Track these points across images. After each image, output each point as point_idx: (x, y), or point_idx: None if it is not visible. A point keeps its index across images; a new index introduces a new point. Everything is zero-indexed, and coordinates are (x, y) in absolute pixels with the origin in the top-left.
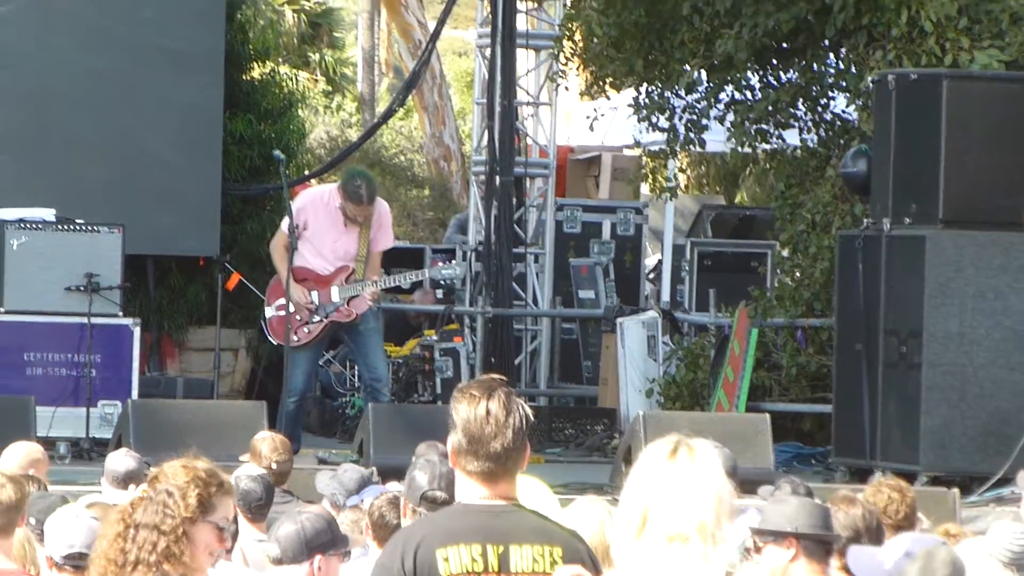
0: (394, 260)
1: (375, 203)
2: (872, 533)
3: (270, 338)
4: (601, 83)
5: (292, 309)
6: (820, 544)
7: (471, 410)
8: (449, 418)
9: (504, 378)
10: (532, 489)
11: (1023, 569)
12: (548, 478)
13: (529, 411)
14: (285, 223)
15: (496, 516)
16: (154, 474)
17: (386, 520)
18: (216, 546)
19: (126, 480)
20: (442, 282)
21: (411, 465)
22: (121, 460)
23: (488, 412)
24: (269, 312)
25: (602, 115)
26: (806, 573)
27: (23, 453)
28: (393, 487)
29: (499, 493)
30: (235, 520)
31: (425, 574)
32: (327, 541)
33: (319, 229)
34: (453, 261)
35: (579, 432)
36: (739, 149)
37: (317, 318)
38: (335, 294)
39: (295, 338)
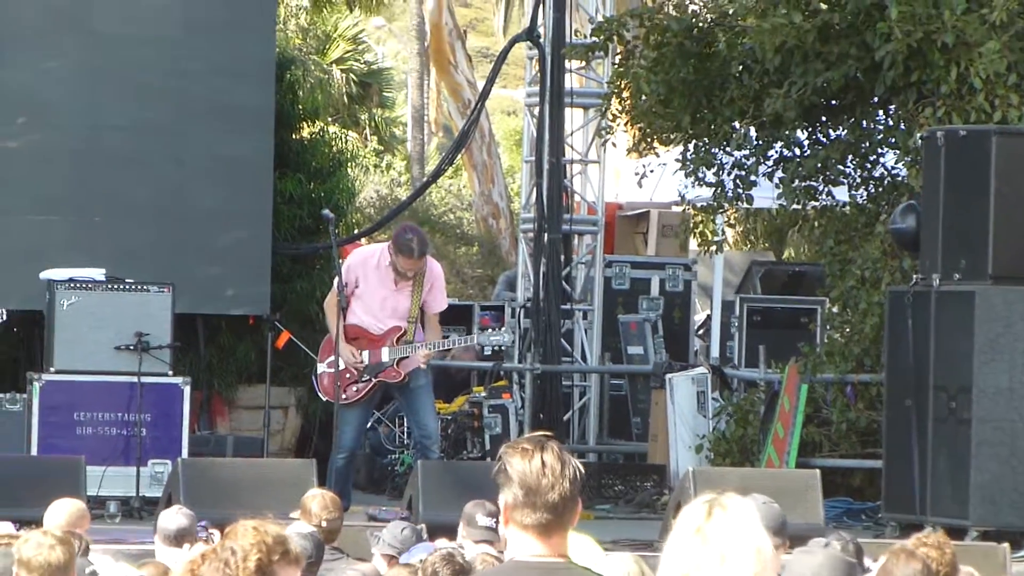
0: (443, 317)
1: (425, 258)
2: None
3: (320, 395)
4: (649, 140)
5: (342, 367)
6: None
7: (526, 463)
8: (499, 475)
9: (552, 434)
10: (582, 546)
11: None
12: (598, 534)
13: (580, 465)
14: (336, 282)
15: (549, 572)
16: (229, 529)
17: None
18: None
19: (178, 538)
20: (491, 348)
21: None
22: (173, 518)
23: (543, 463)
24: (320, 369)
25: (651, 171)
26: None
27: (67, 511)
28: (442, 544)
29: (552, 549)
30: None
31: None
32: None
33: (369, 288)
34: (503, 328)
35: (629, 488)
36: (788, 207)
37: (366, 377)
38: (385, 354)
39: (344, 396)
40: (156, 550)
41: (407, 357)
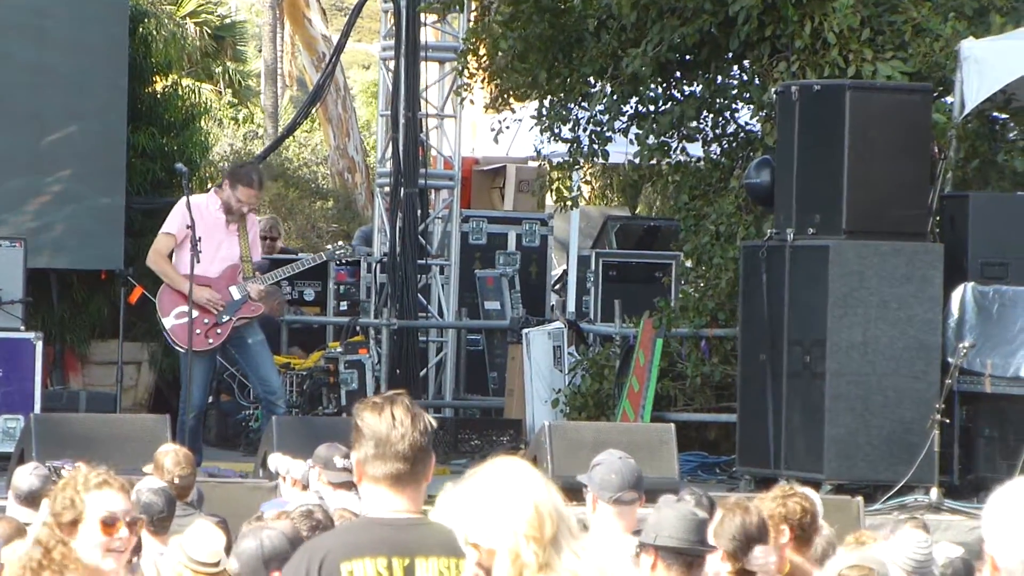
0: (299, 272)
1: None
2: (761, 540)
3: (177, 347)
4: (506, 96)
5: (195, 314)
6: (680, 555)
7: (376, 417)
8: (353, 433)
9: (406, 390)
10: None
11: None
12: None
13: (432, 419)
14: (164, 237)
15: (402, 529)
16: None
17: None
18: (108, 541)
19: (30, 499)
20: (336, 262)
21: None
22: (26, 479)
23: (394, 416)
24: (169, 323)
25: (507, 127)
26: None
27: None
28: (296, 495)
29: (406, 504)
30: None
31: None
32: (286, 558)
33: (203, 235)
34: (340, 243)
35: (485, 443)
36: (642, 162)
37: (226, 317)
38: (235, 292)
39: (210, 341)
40: (8, 508)
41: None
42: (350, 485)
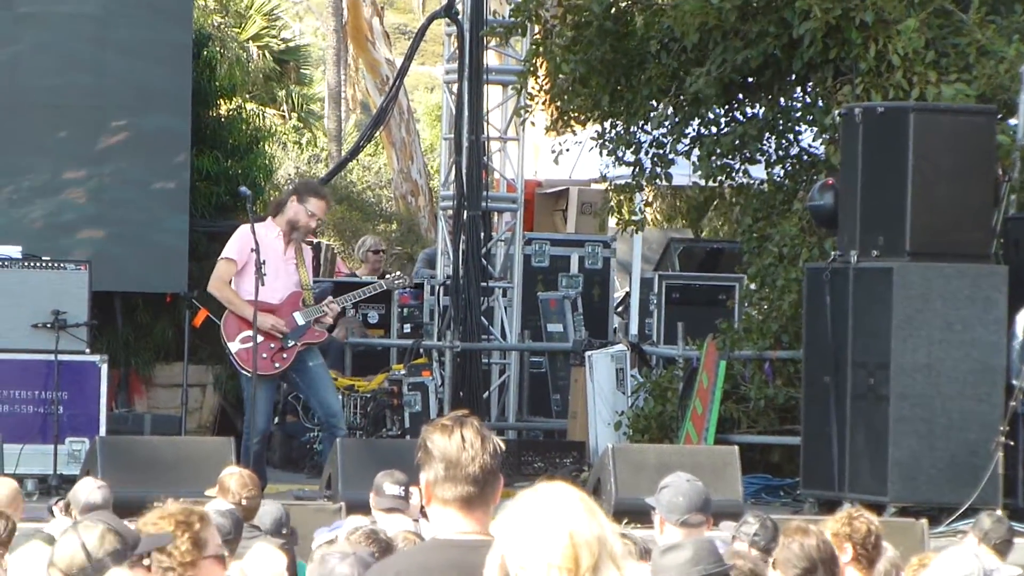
0: (369, 297)
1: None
2: (827, 564)
3: (244, 372)
4: (566, 118)
5: (261, 339)
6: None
7: (446, 439)
8: (420, 454)
9: (471, 412)
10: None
11: None
12: None
13: (500, 441)
14: (224, 263)
15: (471, 550)
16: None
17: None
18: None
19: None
20: (397, 291)
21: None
22: (87, 491)
23: (464, 438)
24: (235, 347)
25: (567, 150)
26: None
27: (5, 492)
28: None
29: (475, 525)
30: None
31: None
32: None
33: (264, 260)
34: (398, 272)
35: (548, 465)
36: (704, 184)
37: (291, 343)
38: (299, 318)
39: (276, 365)
40: (55, 521)
41: (320, 318)
42: (399, 511)
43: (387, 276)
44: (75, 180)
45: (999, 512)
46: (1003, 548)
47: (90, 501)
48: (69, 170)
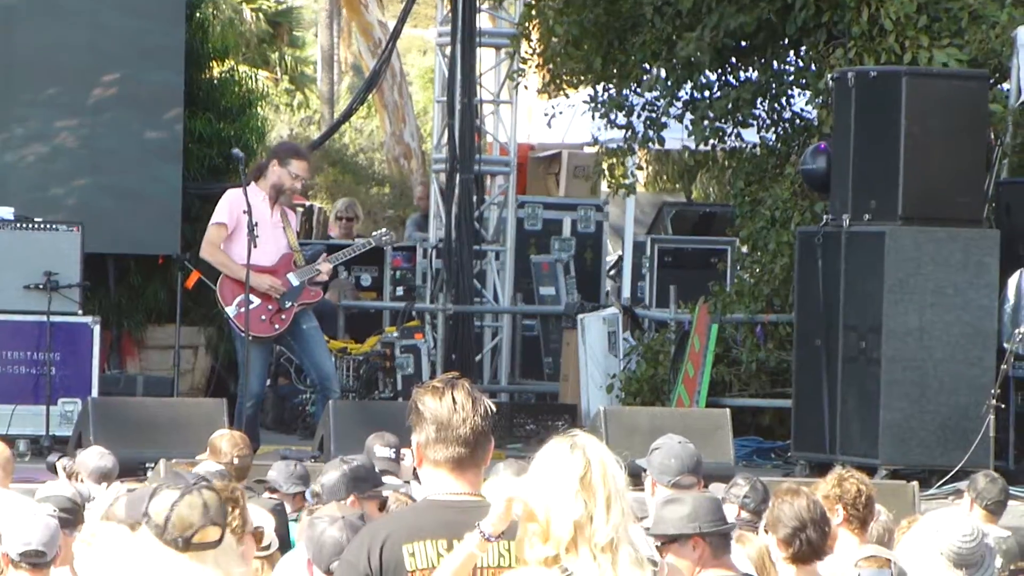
0: (356, 257)
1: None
2: (817, 524)
3: (243, 334)
4: (558, 81)
5: (258, 302)
6: (723, 538)
7: (437, 401)
8: (412, 416)
9: (462, 374)
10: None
11: (970, 567)
12: None
13: (491, 403)
14: (215, 227)
15: (462, 511)
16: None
17: None
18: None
19: (101, 478)
20: (387, 247)
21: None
22: (96, 460)
23: (455, 400)
24: (232, 311)
25: (560, 113)
26: (713, 571)
27: None
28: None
29: (466, 487)
30: None
31: (391, 570)
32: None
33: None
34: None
35: (540, 428)
36: (697, 148)
37: (288, 303)
38: (293, 279)
39: (276, 327)
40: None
41: (314, 278)
42: (388, 472)
43: (374, 233)
44: (68, 127)
45: (994, 473)
46: (995, 509)
47: (100, 466)
48: (62, 119)
